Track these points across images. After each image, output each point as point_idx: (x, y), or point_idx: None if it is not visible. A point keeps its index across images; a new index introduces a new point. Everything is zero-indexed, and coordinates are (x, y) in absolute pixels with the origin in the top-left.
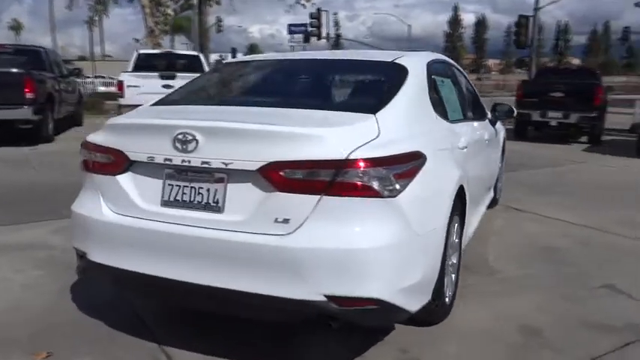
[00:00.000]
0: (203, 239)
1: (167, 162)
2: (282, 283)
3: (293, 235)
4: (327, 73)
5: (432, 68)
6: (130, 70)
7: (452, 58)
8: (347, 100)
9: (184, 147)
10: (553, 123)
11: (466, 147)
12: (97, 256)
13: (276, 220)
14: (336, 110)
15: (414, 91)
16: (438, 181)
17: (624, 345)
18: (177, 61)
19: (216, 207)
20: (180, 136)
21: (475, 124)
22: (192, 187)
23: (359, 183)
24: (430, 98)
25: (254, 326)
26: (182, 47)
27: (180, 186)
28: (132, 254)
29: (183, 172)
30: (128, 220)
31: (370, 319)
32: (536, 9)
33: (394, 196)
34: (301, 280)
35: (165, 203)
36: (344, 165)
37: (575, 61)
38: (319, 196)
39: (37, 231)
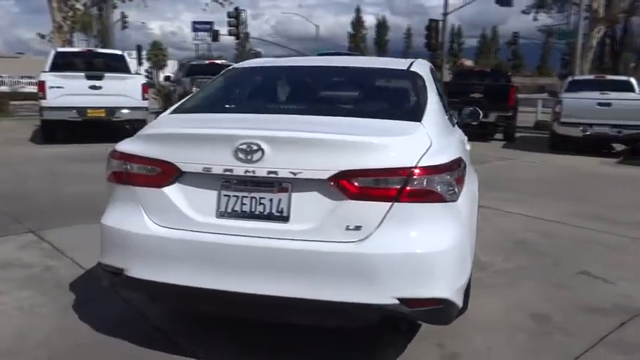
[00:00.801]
0: (268, 249)
1: (227, 172)
2: (354, 289)
3: (366, 242)
4: (352, 80)
5: (433, 75)
6: (47, 69)
7: None
8: (388, 107)
9: (248, 157)
10: (474, 122)
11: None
12: (140, 272)
13: (347, 228)
14: (384, 118)
15: (435, 98)
16: (472, 184)
17: (621, 325)
18: (100, 60)
19: (280, 216)
20: (243, 146)
21: (458, 128)
22: (252, 198)
23: (427, 189)
24: (443, 105)
25: (287, 330)
26: (81, 44)
27: (238, 197)
28: (183, 268)
29: (241, 183)
30: (178, 233)
31: (434, 318)
32: (445, 14)
33: (454, 201)
34: (375, 285)
35: (222, 214)
36: (414, 172)
37: (468, 63)
38: (391, 203)
39: (2, 248)
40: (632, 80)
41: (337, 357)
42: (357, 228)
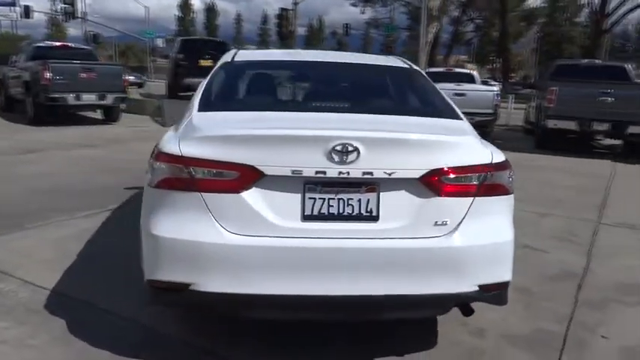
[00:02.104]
0: (359, 250)
1: (319, 175)
2: (443, 281)
3: (453, 236)
4: (371, 78)
5: None
6: None
7: None
8: (424, 106)
9: (344, 158)
10: None
11: None
12: (214, 284)
13: (435, 224)
14: (434, 117)
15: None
16: None
17: (579, 287)
18: None
19: (370, 216)
20: (339, 147)
21: None
22: (339, 199)
23: (499, 183)
24: None
25: (330, 327)
26: None
27: (324, 199)
28: (269, 276)
29: (328, 184)
30: (261, 240)
31: (499, 299)
32: (296, 3)
33: (512, 193)
34: (461, 275)
35: (308, 218)
36: (491, 168)
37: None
38: (472, 198)
39: None
40: (474, 73)
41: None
42: (444, 223)
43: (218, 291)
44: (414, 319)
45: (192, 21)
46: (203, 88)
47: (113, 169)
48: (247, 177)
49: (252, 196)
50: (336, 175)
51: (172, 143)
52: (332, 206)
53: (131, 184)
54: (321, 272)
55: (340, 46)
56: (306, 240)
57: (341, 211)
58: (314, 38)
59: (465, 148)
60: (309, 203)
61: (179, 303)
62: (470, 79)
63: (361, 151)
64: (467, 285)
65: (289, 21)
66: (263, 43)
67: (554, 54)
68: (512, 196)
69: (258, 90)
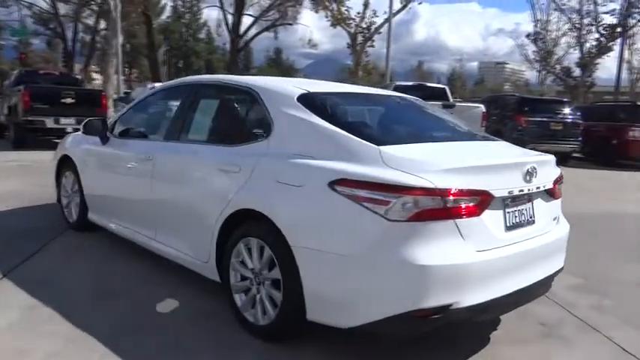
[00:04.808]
0: (536, 248)
1: (520, 192)
2: (557, 262)
3: (559, 227)
4: (421, 109)
5: None
6: None
7: None
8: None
9: (530, 178)
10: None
11: None
12: (470, 298)
13: (553, 219)
14: (493, 141)
15: None
16: None
17: None
18: None
19: (531, 221)
20: (530, 169)
21: None
22: (518, 210)
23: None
24: None
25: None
26: None
27: (512, 212)
28: (497, 281)
29: (514, 199)
30: (491, 252)
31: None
32: None
33: None
34: (560, 257)
35: (509, 228)
36: (562, 177)
37: None
38: (560, 199)
39: None
40: None
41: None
42: (556, 219)
43: (471, 304)
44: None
45: None
46: (342, 122)
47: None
48: (485, 201)
49: (486, 216)
50: (527, 191)
51: (417, 178)
52: (516, 217)
53: None
54: (520, 270)
55: None
56: (512, 247)
57: (521, 219)
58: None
59: (553, 162)
60: (508, 216)
61: (438, 324)
62: None
63: (538, 172)
64: (560, 263)
65: None
66: None
67: (181, 67)
68: None
69: (387, 122)
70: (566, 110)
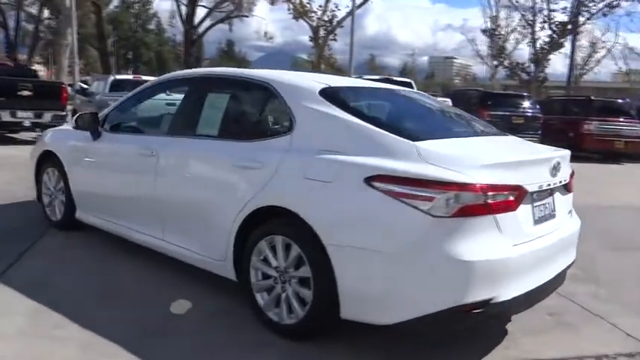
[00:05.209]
0: (559, 241)
1: (547, 187)
2: (572, 254)
3: (573, 219)
4: (434, 104)
5: None
6: None
7: None
8: (486, 125)
9: (556, 172)
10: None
11: None
12: (508, 292)
13: (568, 212)
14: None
15: None
16: None
17: None
18: None
19: (553, 214)
20: (555, 164)
21: None
22: (543, 204)
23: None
24: None
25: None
26: None
27: (538, 205)
28: (530, 274)
29: (540, 194)
30: (524, 246)
31: None
32: None
33: None
34: (574, 248)
35: (536, 222)
36: (573, 173)
37: None
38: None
39: None
40: None
41: None
42: (570, 212)
43: (509, 298)
44: None
45: None
46: (370, 116)
47: None
48: (520, 195)
49: (520, 210)
50: (552, 186)
51: (460, 174)
52: (541, 211)
53: None
54: (546, 263)
55: None
56: (539, 240)
57: (545, 214)
58: None
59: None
60: (535, 210)
61: (478, 319)
62: None
63: (562, 165)
64: (573, 256)
65: None
66: None
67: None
68: None
69: (410, 117)
70: (527, 104)
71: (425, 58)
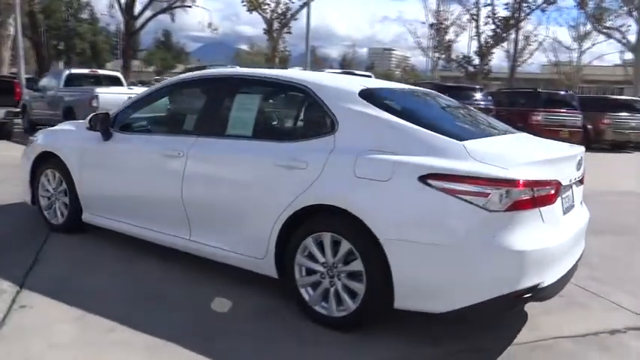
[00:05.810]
0: (580, 230)
1: (573, 181)
2: (583, 242)
3: (584, 209)
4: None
5: None
6: None
7: None
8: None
9: (579, 167)
10: None
11: None
12: (550, 277)
13: (580, 203)
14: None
15: None
16: None
17: None
18: None
19: (573, 205)
20: (580, 160)
21: None
22: (567, 196)
23: None
24: None
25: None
26: None
27: (564, 197)
28: (563, 260)
29: (566, 187)
30: (561, 235)
31: None
32: None
33: None
34: (584, 237)
35: (564, 212)
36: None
37: None
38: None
39: None
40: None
41: None
42: (582, 203)
43: (550, 282)
44: None
45: None
46: (418, 117)
47: None
48: (557, 189)
49: (558, 202)
50: (575, 180)
51: (510, 171)
52: (566, 202)
53: None
54: (572, 250)
55: None
56: (568, 229)
57: (569, 205)
58: None
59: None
60: (564, 202)
61: (525, 303)
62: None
63: (582, 161)
64: (584, 244)
65: None
66: None
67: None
68: None
69: (447, 118)
70: (479, 96)
71: (364, 50)
